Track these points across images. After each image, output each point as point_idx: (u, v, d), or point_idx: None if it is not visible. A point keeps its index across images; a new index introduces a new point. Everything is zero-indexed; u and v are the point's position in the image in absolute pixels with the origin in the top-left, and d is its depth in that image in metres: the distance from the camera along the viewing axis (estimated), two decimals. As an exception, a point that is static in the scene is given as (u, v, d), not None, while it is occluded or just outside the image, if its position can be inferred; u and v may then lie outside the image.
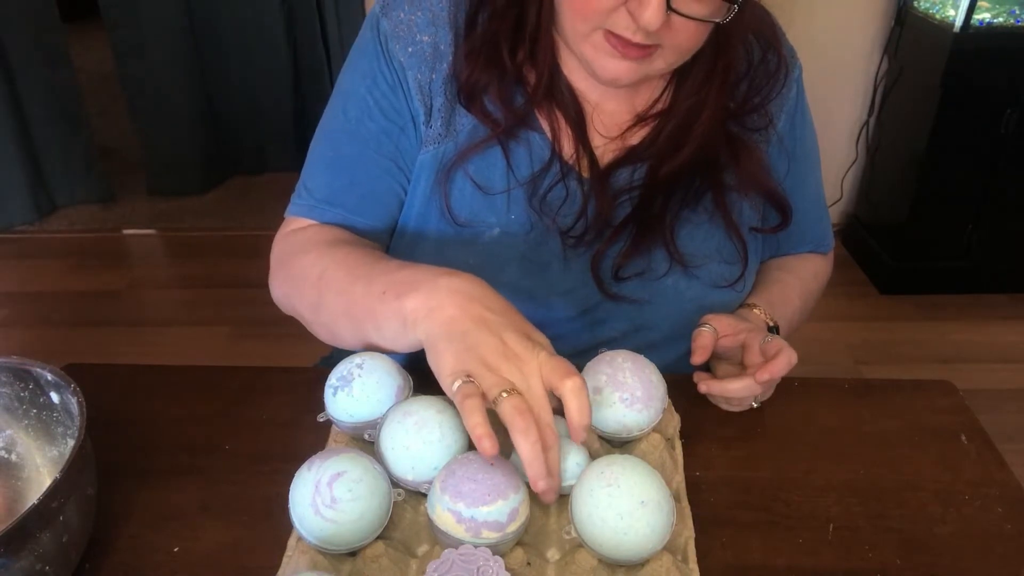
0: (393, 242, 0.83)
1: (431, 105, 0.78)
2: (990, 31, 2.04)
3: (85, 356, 0.79)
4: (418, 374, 0.71)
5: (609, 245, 0.79)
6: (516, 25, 0.75)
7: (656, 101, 0.80)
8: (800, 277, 0.92)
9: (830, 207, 2.88)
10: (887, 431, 0.72)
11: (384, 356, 0.68)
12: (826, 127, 2.47)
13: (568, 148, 0.79)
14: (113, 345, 2.24)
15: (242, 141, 3.07)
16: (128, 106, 2.96)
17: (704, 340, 0.73)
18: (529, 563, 0.57)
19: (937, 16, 2.13)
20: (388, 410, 0.64)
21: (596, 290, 0.79)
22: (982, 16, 2.03)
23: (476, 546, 0.54)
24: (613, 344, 0.79)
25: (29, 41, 2.67)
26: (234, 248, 2.71)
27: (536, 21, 0.74)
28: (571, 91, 0.79)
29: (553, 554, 0.60)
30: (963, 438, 0.71)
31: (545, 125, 0.79)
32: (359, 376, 0.66)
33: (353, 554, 0.58)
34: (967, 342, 2.19)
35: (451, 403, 0.64)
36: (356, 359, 0.67)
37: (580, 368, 0.68)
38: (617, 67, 0.70)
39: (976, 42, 2.03)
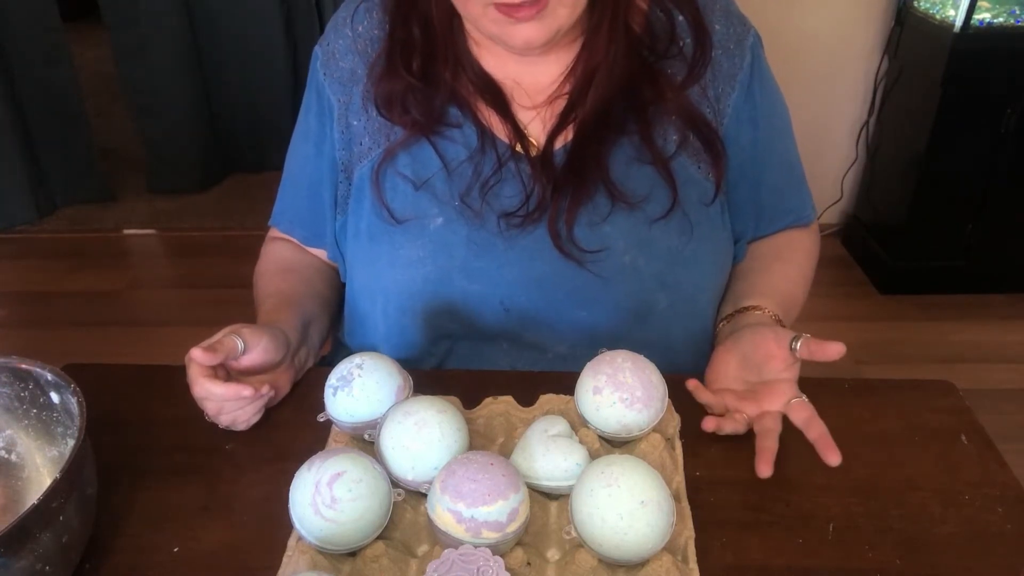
0: (353, 245, 0.87)
1: (349, 126, 0.84)
2: (990, 31, 2.04)
3: (85, 356, 0.79)
4: (418, 374, 0.71)
5: (556, 213, 0.79)
6: (405, 43, 0.80)
7: (573, 64, 0.80)
8: (797, 263, 0.91)
9: (830, 207, 2.86)
10: (887, 431, 0.72)
11: (384, 356, 0.68)
12: (826, 127, 2.49)
13: (503, 133, 0.81)
14: (113, 345, 2.24)
15: (241, 140, 3.07)
16: (128, 106, 2.96)
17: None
18: (529, 563, 0.57)
19: (937, 16, 2.12)
20: (388, 410, 0.64)
21: (551, 258, 0.79)
22: (982, 16, 2.02)
23: (476, 546, 0.54)
24: (603, 329, 0.80)
25: (29, 41, 2.67)
26: (234, 248, 2.71)
27: (424, 34, 0.79)
28: (486, 77, 0.81)
29: (553, 554, 0.60)
30: (963, 438, 0.71)
31: (471, 116, 0.81)
32: (359, 376, 0.66)
33: (353, 554, 0.58)
34: (967, 342, 2.19)
35: (451, 403, 0.66)
36: (356, 359, 0.67)
37: (580, 366, 0.69)
38: (521, 32, 0.71)
39: (976, 42, 2.03)
